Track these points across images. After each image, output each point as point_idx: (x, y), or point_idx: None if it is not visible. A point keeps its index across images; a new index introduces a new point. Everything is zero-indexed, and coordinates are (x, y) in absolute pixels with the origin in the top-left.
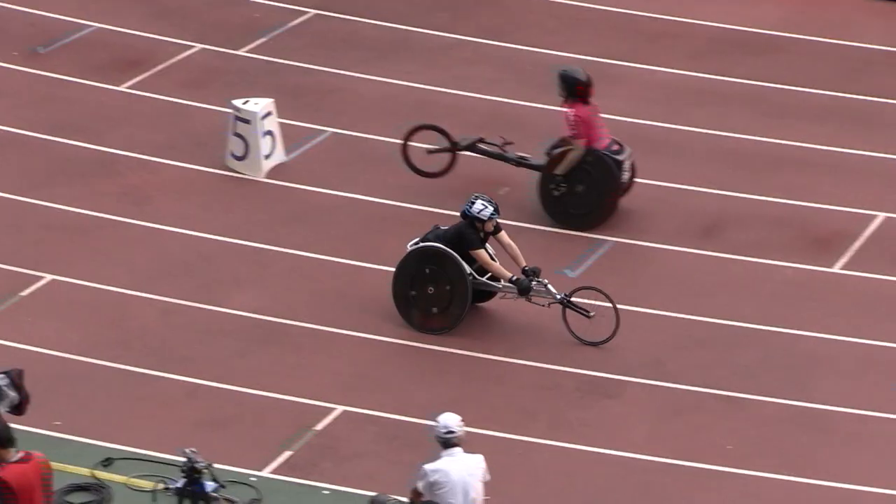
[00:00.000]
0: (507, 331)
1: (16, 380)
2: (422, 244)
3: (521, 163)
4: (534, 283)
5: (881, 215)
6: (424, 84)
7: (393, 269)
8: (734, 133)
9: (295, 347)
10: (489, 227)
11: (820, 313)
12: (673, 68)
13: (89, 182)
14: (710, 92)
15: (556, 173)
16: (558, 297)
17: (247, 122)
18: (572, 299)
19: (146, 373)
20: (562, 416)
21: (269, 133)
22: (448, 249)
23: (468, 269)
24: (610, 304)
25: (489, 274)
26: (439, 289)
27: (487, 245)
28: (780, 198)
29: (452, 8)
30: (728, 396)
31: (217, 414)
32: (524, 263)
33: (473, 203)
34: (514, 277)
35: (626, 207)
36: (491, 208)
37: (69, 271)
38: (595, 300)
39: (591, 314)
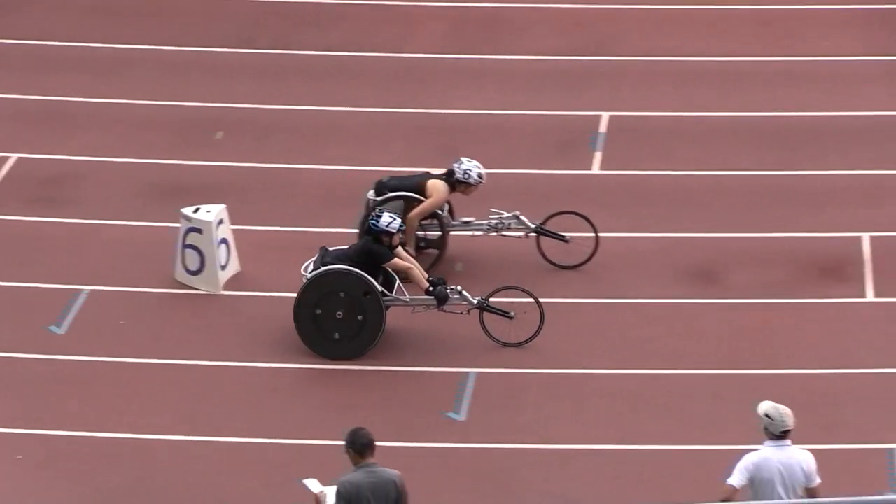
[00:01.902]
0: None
1: None
2: (326, 268)
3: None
4: (448, 290)
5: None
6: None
7: None
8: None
9: None
10: (395, 240)
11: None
12: None
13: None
14: None
15: None
16: (475, 302)
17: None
18: (490, 302)
19: None
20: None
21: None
22: (356, 270)
23: (379, 287)
24: (532, 300)
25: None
26: (349, 312)
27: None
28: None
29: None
30: None
31: None
32: (427, 276)
33: (380, 217)
34: (431, 288)
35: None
36: (399, 220)
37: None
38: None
39: (512, 315)
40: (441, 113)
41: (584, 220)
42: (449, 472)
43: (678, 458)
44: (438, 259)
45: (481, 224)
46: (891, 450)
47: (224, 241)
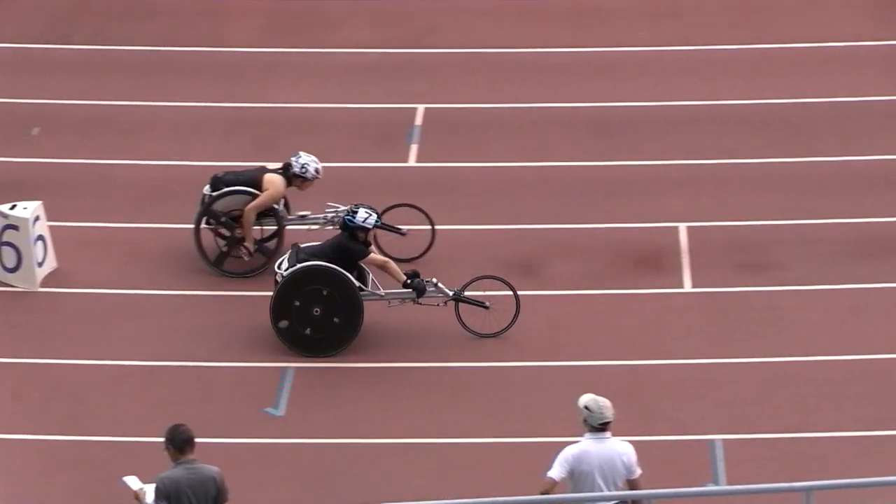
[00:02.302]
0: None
1: None
2: (305, 264)
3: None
4: (424, 282)
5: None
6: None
7: None
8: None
9: None
10: (369, 237)
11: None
12: None
13: None
14: None
15: None
16: (451, 293)
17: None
18: (465, 293)
19: None
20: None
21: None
22: (334, 266)
23: (356, 282)
24: (510, 292)
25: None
26: (327, 309)
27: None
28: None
29: None
30: None
31: None
32: (402, 276)
33: (356, 212)
34: (409, 281)
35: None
36: (375, 216)
37: None
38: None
39: (488, 305)
40: (258, 107)
41: (419, 213)
42: (268, 468)
43: (496, 450)
44: (275, 252)
45: (317, 218)
46: (711, 440)
47: (41, 237)
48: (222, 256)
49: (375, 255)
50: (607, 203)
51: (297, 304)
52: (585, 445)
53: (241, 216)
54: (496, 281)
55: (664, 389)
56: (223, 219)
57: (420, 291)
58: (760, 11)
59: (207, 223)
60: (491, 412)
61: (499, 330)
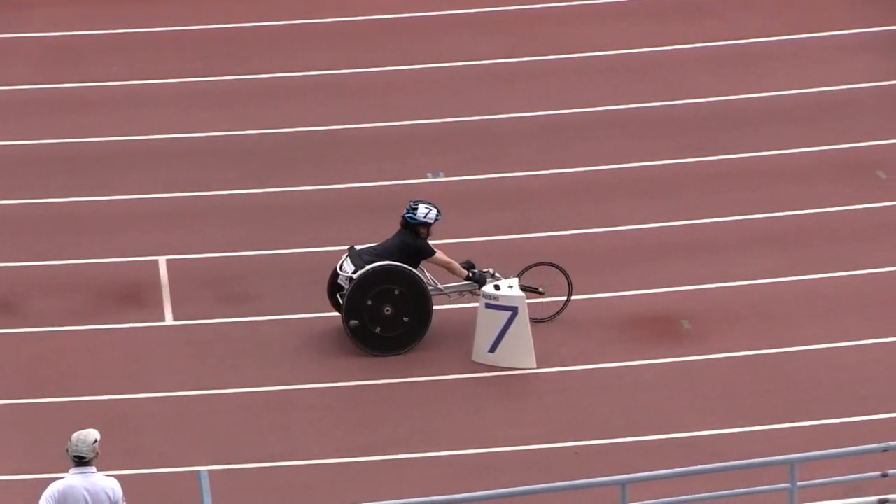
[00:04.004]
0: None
1: None
2: (375, 265)
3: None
4: (483, 273)
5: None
6: None
7: None
8: None
9: None
10: (430, 232)
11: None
12: None
13: None
14: None
15: None
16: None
17: None
18: (522, 281)
19: None
20: None
21: None
22: (407, 266)
23: (428, 280)
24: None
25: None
26: (398, 308)
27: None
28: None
29: None
30: None
31: None
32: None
33: (416, 209)
34: (470, 274)
35: None
36: (436, 210)
37: None
38: None
39: (543, 291)
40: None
41: (558, 271)
42: None
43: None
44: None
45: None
46: (198, 472)
47: None
48: None
49: (442, 256)
50: (84, 239)
51: (369, 303)
52: (71, 480)
53: None
54: (551, 268)
55: (148, 423)
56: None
57: (482, 283)
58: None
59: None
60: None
61: (552, 314)
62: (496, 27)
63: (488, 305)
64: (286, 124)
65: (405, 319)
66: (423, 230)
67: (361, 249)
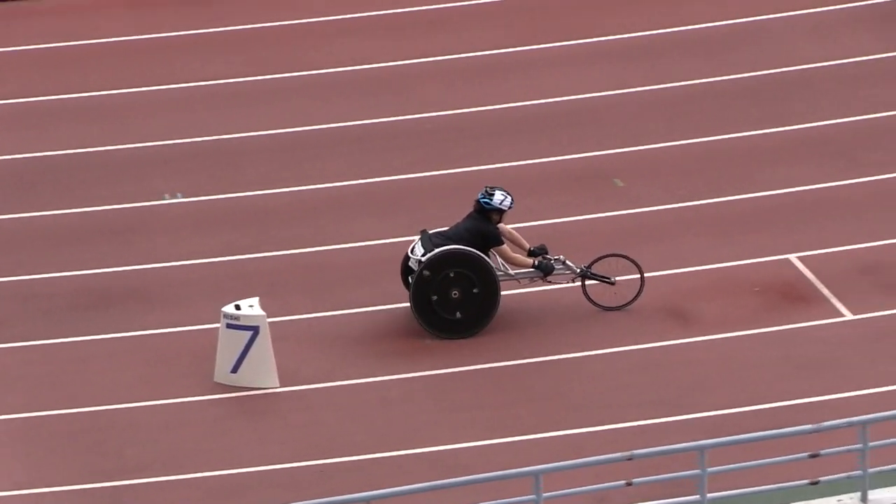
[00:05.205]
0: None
1: None
2: (445, 248)
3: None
4: (552, 261)
5: None
6: None
7: None
8: None
9: None
10: (502, 219)
11: None
12: None
13: None
14: None
15: None
16: (578, 270)
17: None
18: (592, 269)
19: None
20: None
21: None
22: (477, 251)
23: (498, 265)
24: (635, 268)
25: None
26: (466, 292)
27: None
28: None
29: None
30: None
31: None
32: (528, 245)
33: (492, 195)
34: (536, 262)
35: None
36: (511, 198)
37: None
38: None
39: (614, 280)
40: None
41: (628, 261)
42: None
43: None
44: None
45: None
46: None
47: None
48: None
49: (507, 248)
50: None
51: (448, 279)
52: None
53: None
54: (620, 258)
55: None
56: None
57: (548, 271)
58: None
59: None
60: None
61: (624, 303)
62: (231, 46)
63: (229, 325)
64: (26, 150)
65: (475, 290)
66: (496, 216)
67: (433, 233)
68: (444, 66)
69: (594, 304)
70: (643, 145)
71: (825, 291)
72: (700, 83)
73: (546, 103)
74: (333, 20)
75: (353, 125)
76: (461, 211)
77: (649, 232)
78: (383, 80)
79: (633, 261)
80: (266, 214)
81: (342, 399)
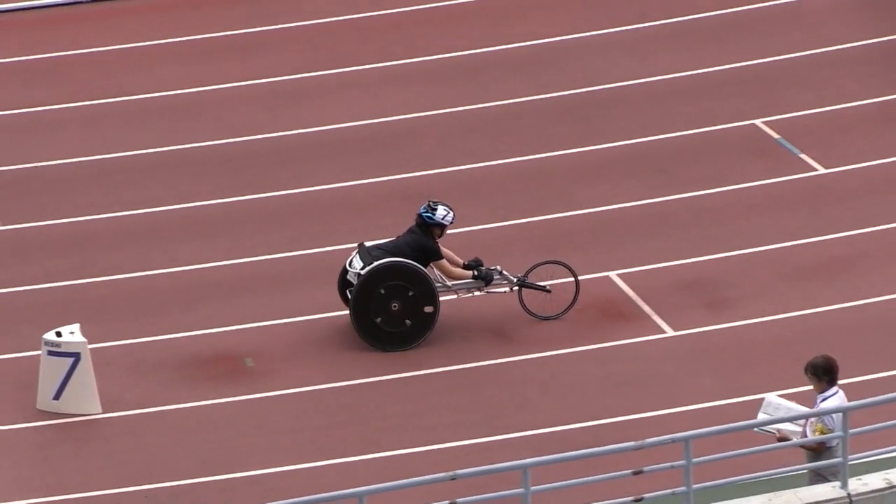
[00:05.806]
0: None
1: None
2: (384, 261)
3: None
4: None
5: None
6: None
7: None
8: None
9: None
10: (443, 234)
11: None
12: None
13: None
14: None
15: None
16: (515, 280)
17: None
18: (528, 279)
19: None
20: None
21: None
22: (416, 264)
23: (436, 278)
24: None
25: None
26: (405, 304)
27: None
28: None
29: None
30: None
31: None
32: (461, 261)
33: (435, 209)
34: (475, 273)
35: None
36: (453, 213)
37: None
38: None
39: (549, 289)
40: None
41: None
42: None
43: None
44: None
45: None
46: None
47: None
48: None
49: (447, 263)
50: None
51: (381, 293)
52: None
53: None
54: (558, 266)
55: None
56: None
57: (489, 280)
58: None
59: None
60: None
61: (559, 312)
62: (42, 75)
63: (50, 353)
64: None
65: (412, 317)
66: (437, 231)
67: (372, 245)
68: (264, 89)
69: (530, 314)
70: (466, 164)
71: (646, 308)
72: (523, 101)
73: (368, 124)
74: (151, 45)
75: (172, 150)
76: (284, 234)
77: (475, 251)
78: (201, 104)
79: (568, 267)
80: (87, 240)
81: (166, 424)
